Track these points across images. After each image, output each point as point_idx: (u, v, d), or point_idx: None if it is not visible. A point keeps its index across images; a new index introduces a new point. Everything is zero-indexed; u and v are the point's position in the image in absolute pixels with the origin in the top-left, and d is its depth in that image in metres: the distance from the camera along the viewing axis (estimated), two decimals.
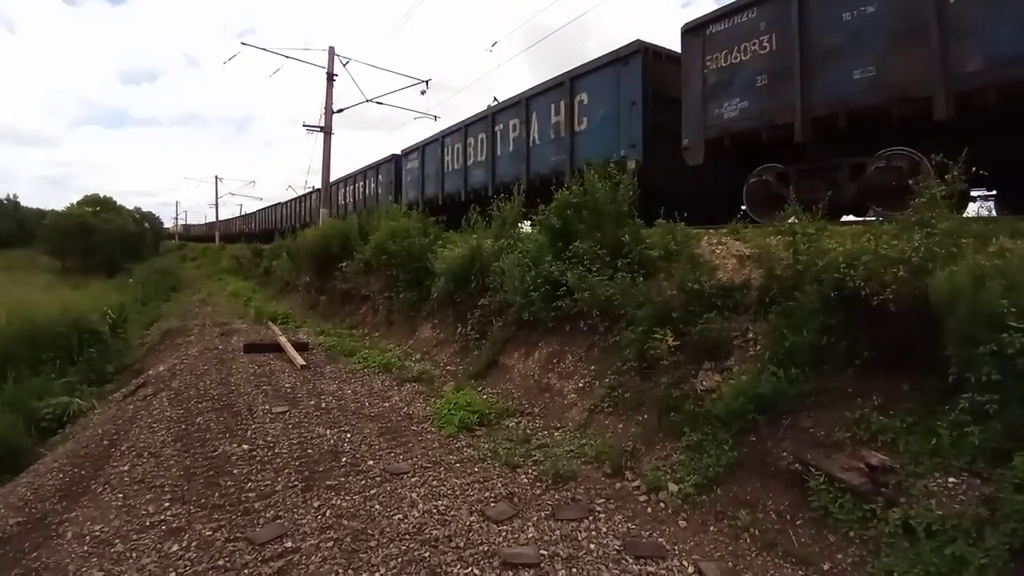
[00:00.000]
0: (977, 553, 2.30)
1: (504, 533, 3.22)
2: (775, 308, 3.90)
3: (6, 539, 3.47)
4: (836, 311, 3.39)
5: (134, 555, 3.12)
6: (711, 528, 3.24)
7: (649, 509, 3.50)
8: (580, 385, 5.12)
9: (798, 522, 3.03)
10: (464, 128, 13.03)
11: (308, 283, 14.28)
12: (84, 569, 3.01)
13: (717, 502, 3.38)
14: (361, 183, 20.43)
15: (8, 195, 60.76)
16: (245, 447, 4.65)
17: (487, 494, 3.70)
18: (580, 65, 9.38)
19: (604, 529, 3.26)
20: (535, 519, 3.37)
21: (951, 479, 2.67)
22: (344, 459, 4.37)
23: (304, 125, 17.96)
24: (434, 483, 3.89)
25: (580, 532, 3.22)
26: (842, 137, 5.93)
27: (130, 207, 54.60)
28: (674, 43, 7.83)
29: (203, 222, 71.17)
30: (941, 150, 3.53)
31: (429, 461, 4.28)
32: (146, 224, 56.92)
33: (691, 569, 2.86)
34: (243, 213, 47.79)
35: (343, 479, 4.01)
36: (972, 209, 5.76)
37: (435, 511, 3.47)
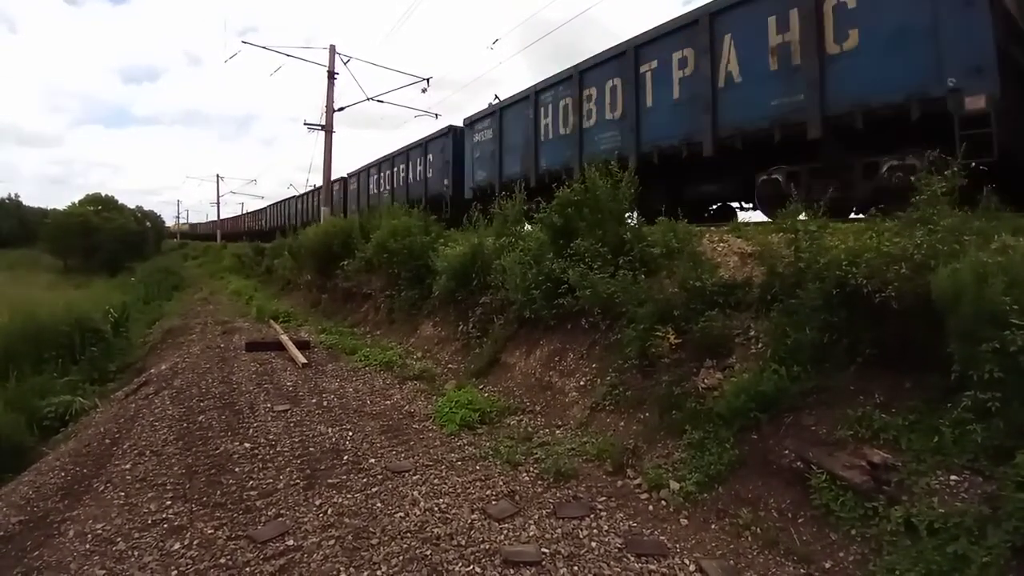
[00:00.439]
0: (979, 551, 2.30)
1: (505, 531, 3.22)
2: (777, 306, 3.89)
3: (8, 537, 3.48)
4: (838, 309, 3.38)
5: (136, 553, 3.13)
6: (713, 526, 3.23)
7: (650, 507, 3.50)
8: (581, 383, 5.12)
9: (800, 520, 3.03)
10: (577, 76, 9.24)
11: (310, 282, 14.28)
12: (86, 567, 3.02)
13: (719, 500, 3.37)
14: (402, 166, 16.98)
15: (10, 194, 61.29)
16: (247, 445, 4.66)
17: (488, 492, 3.71)
18: None
19: (605, 527, 3.26)
20: (536, 517, 3.37)
21: (953, 477, 2.67)
22: (346, 457, 4.37)
23: (305, 123, 17.96)
24: (435, 481, 3.89)
25: (581, 530, 3.22)
26: None
27: (132, 206, 54.92)
28: None
29: (207, 220, 71.08)
30: None
31: (430, 459, 4.28)
32: (148, 223, 57.08)
33: (692, 567, 2.86)
34: (253, 210, 47.39)
35: (345, 477, 4.02)
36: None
37: (436, 509, 3.48)
